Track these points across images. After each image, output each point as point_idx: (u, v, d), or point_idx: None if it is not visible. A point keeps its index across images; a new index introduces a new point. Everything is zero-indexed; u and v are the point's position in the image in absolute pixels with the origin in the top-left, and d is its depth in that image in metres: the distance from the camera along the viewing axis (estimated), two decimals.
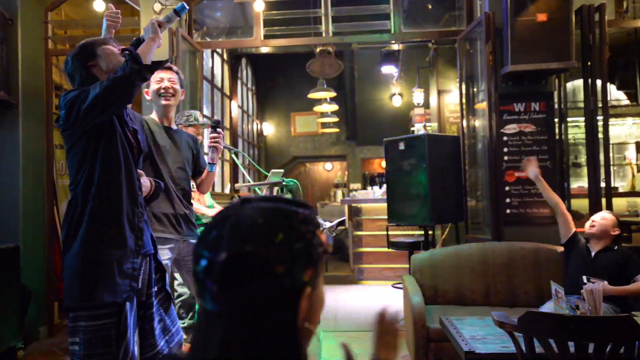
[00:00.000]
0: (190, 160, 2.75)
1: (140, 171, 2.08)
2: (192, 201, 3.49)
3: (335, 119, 10.73)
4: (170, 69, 2.68)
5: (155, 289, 2.10)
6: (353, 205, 7.05)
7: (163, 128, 2.64)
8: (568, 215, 3.37)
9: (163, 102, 2.65)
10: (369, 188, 9.21)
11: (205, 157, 2.84)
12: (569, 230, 3.34)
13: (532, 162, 3.50)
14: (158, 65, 2.03)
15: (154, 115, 2.69)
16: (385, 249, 5.38)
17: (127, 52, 1.93)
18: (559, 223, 3.39)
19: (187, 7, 2.18)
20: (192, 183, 3.57)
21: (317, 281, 0.78)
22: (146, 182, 2.09)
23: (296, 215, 0.78)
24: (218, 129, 2.68)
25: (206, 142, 3.38)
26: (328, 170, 14.26)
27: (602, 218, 3.12)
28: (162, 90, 2.63)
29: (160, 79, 2.64)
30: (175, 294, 3.75)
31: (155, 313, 2.10)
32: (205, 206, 3.82)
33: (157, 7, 4.35)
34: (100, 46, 2.01)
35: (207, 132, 4.24)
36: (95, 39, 2.06)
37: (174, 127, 2.71)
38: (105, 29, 2.39)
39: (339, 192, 12.41)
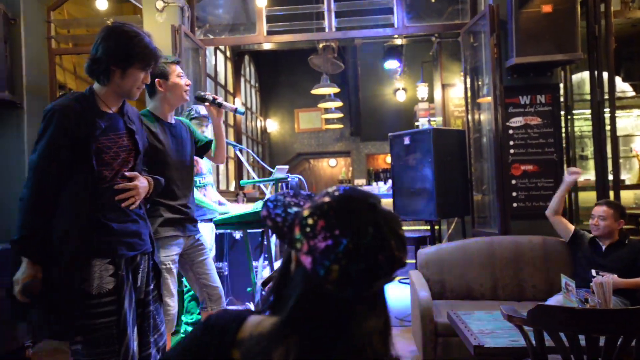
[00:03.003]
0: (193, 151, 2.72)
1: (134, 173, 2.01)
2: (200, 196, 3.50)
3: (339, 115, 10.72)
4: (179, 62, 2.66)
5: (152, 286, 2.08)
6: None
7: (165, 126, 2.57)
8: (564, 219, 3.41)
9: (187, 97, 2.64)
10: (374, 184, 9.22)
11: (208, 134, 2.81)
12: (568, 231, 3.36)
13: (578, 174, 3.38)
14: None
15: (154, 109, 2.58)
16: None
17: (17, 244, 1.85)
18: (557, 228, 3.42)
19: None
20: (198, 179, 3.57)
21: None
22: (144, 182, 2.05)
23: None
24: (205, 97, 2.70)
25: (210, 131, 3.38)
26: (332, 167, 14.25)
27: (602, 218, 3.08)
28: (186, 87, 2.61)
29: (181, 73, 2.60)
30: (185, 288, 3.75)
31: (152, 311, 2.09)
32: (211, 201, 3.80)
33: (160, 4, 4.35)
34: (141, 68, 1.93)
35: (209, 128, 4.23)
36: (145, 49, 1.90)
37: (172, 121, 2.64)
38: None
39: None
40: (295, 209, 0.82)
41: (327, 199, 0.79)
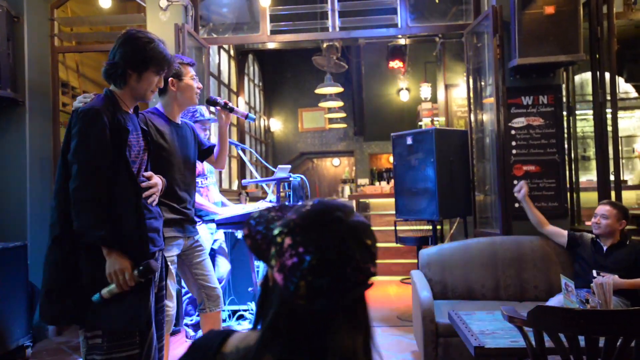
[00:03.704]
0: (196, 153, 2.73)
1: (150, 173, 2.07)
2: (200, 198, 3.49)
3: (343, 115, 10.72)
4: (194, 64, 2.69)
5: (164, 283, 2.13)
6: (361, 200, 7.05)
7: (172, 125, 2.58)
8: (552, 227, 3.49)
9: (196, 100, 2.66)
10: (377, 183, 9.21)
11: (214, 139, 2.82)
12: (562, 236, 3.42)
13: (524, 186, 3.59)
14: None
15: (161, 108, 2.60)
16: (394, 244, 5.37)
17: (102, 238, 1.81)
18: (552, 238, 3.49)
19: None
20: (199, 179, 3.58)
21: None
22: (158, 181, 2.10)
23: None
24: (217, 102, 2.72)
25: (214, 130, 3.38)
26: (336, 166, 14.24)
27: (604, 217, 3.08)
28: (198, 90, 2.64)
29: (194, 76, 2.63)
30: (183, 290, 3.75)
31: (164, 306, 2.15)
32: (212, 202, 3.81)
33: (163, 3, 4.35)
34: (156, 72, 1.99)
35: (214, 127, 4.24)
36: (160, 55, 1.98)
37: (179, 121, 2.66)
38: None
39: (347, 188, 12.40)
40: (278, 223, 0.84)
41: (294, 216, 0.81)
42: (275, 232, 0.81)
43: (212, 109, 2.96)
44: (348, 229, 0.79)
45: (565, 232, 3.40)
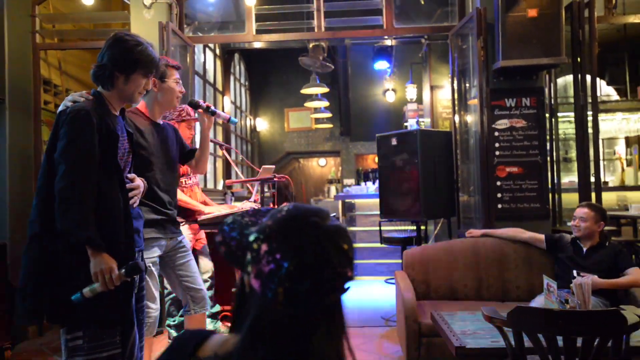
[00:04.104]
0: (178, 154, 2.71)
1: (133, 175, 2.07)
2: (184, 197, 3.47)
3: (329, 115, 10.72)
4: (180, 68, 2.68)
5: (144, 283, 2.12)
6: (346, 201, 7.06)
7: (152, 125, 2.55)
8: (529, 234, 3.55)
9: (176, 104, 2.65)
10: (363, 184, 9.21)
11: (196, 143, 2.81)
12: (540, 240, 3.48)
13: (472, 233, 3.80)
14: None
15: (143, 108, 2.57)
16: (379, 245, 5.39)
17: (89, 240, 1.77)
18: (532, 243, 3.55)
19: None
20: (183, 179, 3.55)
21: None
22: (140, 183, 2.10)
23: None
24: (199, 104, 2.71)
25: (199, 129, 3.36)
26: (322, 166, 14.25)
27: (583, 219, 3.11)
28: (179, 94, 2.63)
29: (178, 80, 2.62)
30: (166, 291, 3.72)
31: (144, 307, 2.14)
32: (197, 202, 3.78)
33: (148, 1, 4.31)
34: (143, 74, 2.01)
35: (198, 126, 4.21)
36: (148, 57, 2.00)
37: (160, 122, 2.63)
38: None
39: (333, 188, 12.42)
40: (252, 229, 0.83)
41: (270, 222, 0.81)
42: (251, 238, 0.80)
43: None
44: (324, 233, 0.79)
45: (543, 237, 3.44)
